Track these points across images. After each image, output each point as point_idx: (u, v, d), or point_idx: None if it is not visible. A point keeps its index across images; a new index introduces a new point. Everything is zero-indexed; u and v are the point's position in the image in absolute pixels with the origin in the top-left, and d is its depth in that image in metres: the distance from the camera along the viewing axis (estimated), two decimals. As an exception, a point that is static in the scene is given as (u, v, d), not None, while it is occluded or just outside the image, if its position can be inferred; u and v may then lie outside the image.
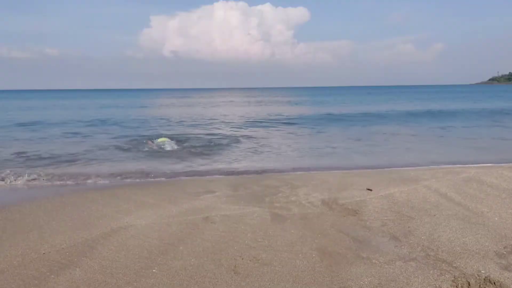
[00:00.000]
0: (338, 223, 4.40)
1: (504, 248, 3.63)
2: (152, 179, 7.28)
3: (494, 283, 2.98)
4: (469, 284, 2.98)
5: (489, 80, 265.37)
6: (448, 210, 4.81)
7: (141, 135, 14.36)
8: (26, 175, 7.37)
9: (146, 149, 11.12)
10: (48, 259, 3.50)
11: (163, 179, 7.29)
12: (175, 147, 11.53)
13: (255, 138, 13.59)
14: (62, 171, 8.00)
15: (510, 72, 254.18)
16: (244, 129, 16.90)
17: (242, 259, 3.48)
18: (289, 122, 20.08)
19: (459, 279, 3.05)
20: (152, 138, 12.96)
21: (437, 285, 2.97)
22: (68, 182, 7.01)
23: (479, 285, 2.96)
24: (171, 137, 12.89)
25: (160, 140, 12.28)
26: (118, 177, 7.41)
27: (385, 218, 4.55)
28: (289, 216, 4.67)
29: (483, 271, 3.17)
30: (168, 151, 10.89)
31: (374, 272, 3.20)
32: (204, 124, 19.32)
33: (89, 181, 7.11)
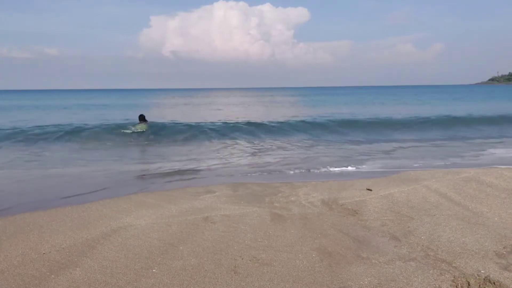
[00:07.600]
0: (338, 223, 4.40)
1: (504, 248, 3.63)
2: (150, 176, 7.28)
3: (494, 283, 2.98)
4: (469, 284, 2.98)
5: (489, 80, 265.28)
6: (448, 210, 4.81)
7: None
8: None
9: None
10: (48, 259, 3.50)
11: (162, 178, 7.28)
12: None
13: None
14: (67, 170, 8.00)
15: (510, 72, 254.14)
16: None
17: (242, 259, 3.48)
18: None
19: (459, 279, 3.05)
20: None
21: (437, 285, 2.98)
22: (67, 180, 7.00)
23: (479, 285, 2.97)
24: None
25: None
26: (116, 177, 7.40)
27: (385, 218, 4.55)
28: (289, 216, 4.67)
29: (483, 271, 3.17)
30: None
31: (374, 272, 3.21)
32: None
33: (88, 180, 7.10)
